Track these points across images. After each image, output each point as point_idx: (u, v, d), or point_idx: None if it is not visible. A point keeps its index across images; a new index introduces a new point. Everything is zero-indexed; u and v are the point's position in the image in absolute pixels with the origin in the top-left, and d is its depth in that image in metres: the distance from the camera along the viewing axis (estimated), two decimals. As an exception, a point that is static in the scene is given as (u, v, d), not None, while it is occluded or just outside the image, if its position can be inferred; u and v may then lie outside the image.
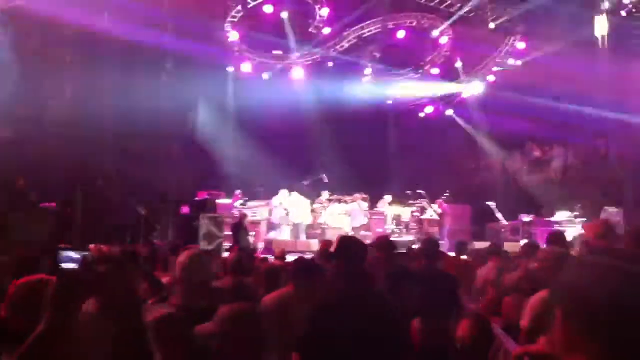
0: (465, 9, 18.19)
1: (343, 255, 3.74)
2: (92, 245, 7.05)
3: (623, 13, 17.38)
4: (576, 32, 17.09)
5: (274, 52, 18.97)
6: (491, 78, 20.45)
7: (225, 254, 10.25)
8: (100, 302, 2.40)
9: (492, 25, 18.63)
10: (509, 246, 13.35)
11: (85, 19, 14.21)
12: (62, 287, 2.18)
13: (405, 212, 18.70)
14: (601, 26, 17.33)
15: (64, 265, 6.86)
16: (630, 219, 15.39)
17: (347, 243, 3.89)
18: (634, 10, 17.31)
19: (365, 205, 17.92)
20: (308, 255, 7.16)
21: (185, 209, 14.96)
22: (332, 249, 4.15)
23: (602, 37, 17.34)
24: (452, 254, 9.45)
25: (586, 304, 1.31)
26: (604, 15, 17.30)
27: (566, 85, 17.16)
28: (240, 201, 16.81)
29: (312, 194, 17.78)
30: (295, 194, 16.86)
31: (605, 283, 1.31)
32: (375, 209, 18.51)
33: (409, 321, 4.52)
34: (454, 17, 18.30)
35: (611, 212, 15.99)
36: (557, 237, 5.25)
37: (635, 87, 17.28)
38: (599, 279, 1.33)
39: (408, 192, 18.91)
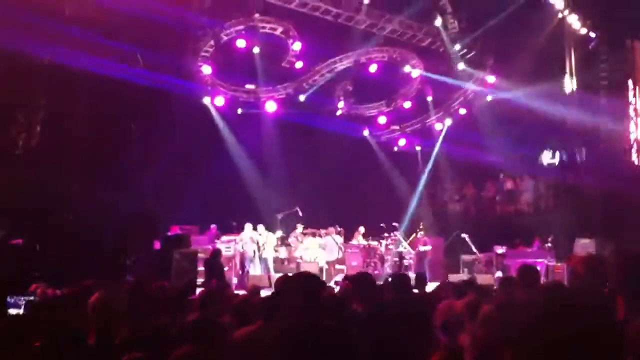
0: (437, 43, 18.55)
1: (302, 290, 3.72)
2: (36, 287, 6.90)
3: (590, 48, 17.83)
4: (545, 65, 17.47)
5: (247, 86, 19.01)
6: (462, 111, 20.71)
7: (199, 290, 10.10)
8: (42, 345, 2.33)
9: (462, 60, 18.95)
10: (483, 278, 13.42)
11: (54, 51, 14.10)
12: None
13: (380, 245, 18.68)
14: (569, 59, 17.75)
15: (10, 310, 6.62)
16: (601, 250, 15.54)
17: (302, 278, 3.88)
18: (600, 45, 17.76)
19: (340, 238, 17.89)
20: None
21: (157, 245, 14.74)
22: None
23: (571, 70, 17.75)
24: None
25: (529, 346, 1.33)
26: (572, 47, 17.73)
27: (536, 117, 17.47)
28: (214, 236, 16.66)
29: (286, 228, 17.70)
30: (260, 228, 16.74)
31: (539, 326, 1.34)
32: (350, 242, 18.46)
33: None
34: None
35: (583, 243, 16.14)
36: (527, 271, 5.29)
37: (601, 120, 17.65)
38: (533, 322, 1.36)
39: (382, 225, 18.92)
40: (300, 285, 3.91)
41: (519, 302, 1.49)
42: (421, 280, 9.11)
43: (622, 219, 16.64)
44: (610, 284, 3.41)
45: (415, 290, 9.17)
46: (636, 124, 18.46)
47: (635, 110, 18.45)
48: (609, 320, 1.38)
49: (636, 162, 18.27)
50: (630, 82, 18.48)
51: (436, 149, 22.12)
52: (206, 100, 18.45)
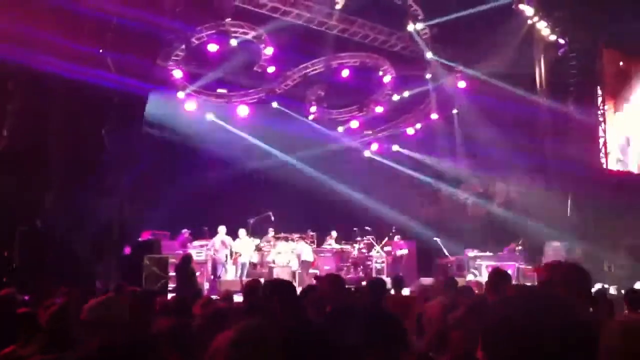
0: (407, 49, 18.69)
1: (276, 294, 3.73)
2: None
3: (559, 54, 18.10)
4: (516, 70, 17.69)
5: (219, 90, 18.90)
6: (434, 116, 20.87)
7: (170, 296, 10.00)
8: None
9: (433, 66, 19.12)
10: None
11: (22, 55, 13.88)
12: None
13: (353, 250, 18.70)
14: (539, 65, 18.01)
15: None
16: (571, 253, 15.78)
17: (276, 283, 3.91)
18: (569, 52, 18.05)
19: (313, 244, 17.85)
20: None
21: (127, 250, 14.58)
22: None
23: (541, 77, 18.00)
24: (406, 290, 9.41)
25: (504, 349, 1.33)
26: (542, 54, 17.99)
27: (507, 123, 17.68)
28: (185, 241, 16.49)
29: (258, 233, 17.60)
30: (242, 232, 16.66)
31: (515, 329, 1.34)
32: (323, 246, 18.45)
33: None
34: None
35: (554, 246, 16.36)
36: (498, 274, 5.33)
37: (571, 125, 17.93)
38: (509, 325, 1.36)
39: (355, 229, 18.97)
40: (279, 291, 3.91)
41: (490, 305, 1.48)
42: (398, 283, 9.18)
43: (591, 222, 16.92)
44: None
45: (392, 292, 9.23)
46: (604, 129, 18.80)
47: (604, 115, 18.79)
48: (581, 322, 1.38)
49: (605, 166, 18.60)
50: (598, 88, 18.83)
51: (408, 153, 22.26)
52: (177, 104, 18.31)
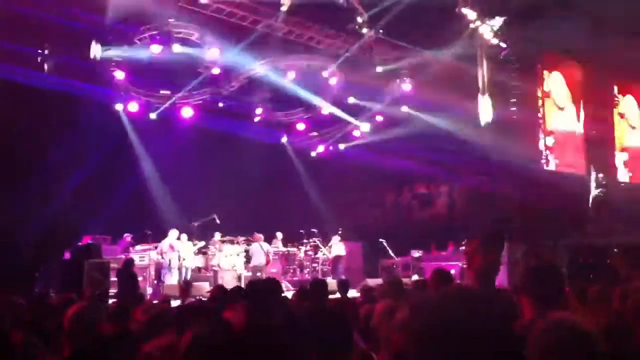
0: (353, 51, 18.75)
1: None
2: None
3: (501, 58, 18.44)
4: (459, 74, 17.95)
5: (162, 91, 18.59)
6: (379, 118, 21.04)
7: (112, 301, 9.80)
8: None
9: (379, 69, 19.27)
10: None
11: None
12: None
13: (299, 252, 18.66)
14: (481, 68, 18.32)
15: None
16: (513, 253, 16.08)
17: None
18: (510, 56, 18.41)
19: (267, 245, 17.61)
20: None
21: (67, 255, 14.18)
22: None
23: (483, 79, 18.30)
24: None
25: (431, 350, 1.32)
26: (484, 57, 18.30)
27: (450, 123, 17.94)
28: (127, 245, 16.14)
29: (203, 236, 17.37)
30: (183, 237, 16.42)
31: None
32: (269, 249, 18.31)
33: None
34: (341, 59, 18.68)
35: (496, 247, 16.63)
36: (440, 274, 5.40)
37: (513, 128, 18.29)
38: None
39: (302, 231, 18.94)
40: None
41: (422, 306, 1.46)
42: (344, 286, 9.19)
43: (533, 223, 17.29)
44: (520, 285, 3.51)
45: (338, 295, 9.22)
46: (545, 131, 19.25)
47: (544, 118, 19.25)
48: (509, 320, 1.37)
49: (546, 168, 19.05)
50: (539, 92, 19.29)
51: (354, 156, 22.36)
52: (119, 106, 17.94)
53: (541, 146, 18.95)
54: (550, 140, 19.08)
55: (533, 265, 3.52)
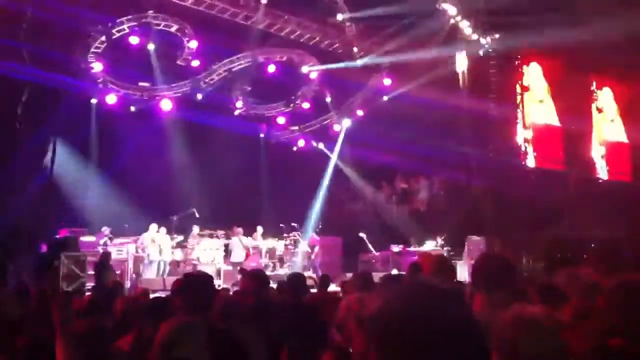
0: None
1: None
2: None
3: (481, 53, 18.52)
4: (439, 69, 18.02)
5: (141, 83, 18.41)
6: (360, 113, 21.06)
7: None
8: None
9: (359, 62, 19.28)
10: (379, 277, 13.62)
11: None
12: None
13: (279, 246, 18.62)
14: (461, 63, 18.40)
15: None
16: (491, 246, 16.21)
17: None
18: (490, 50, 18.48)
19: (246, 239, 17.55)
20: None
21: (43, 247, 14.02)
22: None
23: (463, 74, 18.37)
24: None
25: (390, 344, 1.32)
26: (464, 52, 18.37)
27: (430, 120, 17.98)
28: (105, 239, 15.98)
29: (183, 230, 17.27)
30: (162, 230, 16.32)
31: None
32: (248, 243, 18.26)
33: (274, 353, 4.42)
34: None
35: (475, 240, 16.78)
36: (416, 267, 5.42)
37: (492, 123, 18.40)
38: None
39: (282, 225, 18.91)
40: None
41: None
42: (324, 282, 9.21)
43: (510, 216, 17.43)
44: (473, 280, 3.54)
45: (314, 290, 9.23)
46: (524, 125, 19.37)
47: (522, 112, 19.35)
48: (470, 316, 1.37)
49: (523, 163, 19.18)
50: (518, 87, 19.38)
51: (335, 150, 22.38)
52: (97, 98, 17.78)
53: (520, 140, 19.06)
54: (529, 134, 19.16)
55: (486, 262, 3.51)
